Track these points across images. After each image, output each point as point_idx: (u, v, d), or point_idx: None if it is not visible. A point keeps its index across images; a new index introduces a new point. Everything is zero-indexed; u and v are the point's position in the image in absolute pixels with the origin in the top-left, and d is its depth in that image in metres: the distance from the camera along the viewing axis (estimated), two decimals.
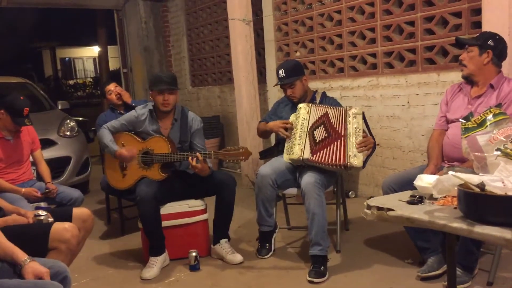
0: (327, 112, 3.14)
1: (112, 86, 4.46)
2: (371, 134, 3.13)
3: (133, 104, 4.38)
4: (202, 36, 7.31)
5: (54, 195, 3.54)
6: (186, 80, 7.82)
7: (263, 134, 3.61)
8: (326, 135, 3.09)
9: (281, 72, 3.35)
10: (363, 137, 3.05)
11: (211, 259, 3.41)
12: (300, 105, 3.23)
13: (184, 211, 3.39)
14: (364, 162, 3.06)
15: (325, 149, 3.07)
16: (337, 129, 3.09)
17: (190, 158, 3.13)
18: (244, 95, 5.23)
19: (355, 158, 3.00)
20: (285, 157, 3.26)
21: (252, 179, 5.02)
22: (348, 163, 3.00)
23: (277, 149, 3.51)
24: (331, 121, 3.11)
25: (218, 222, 3.40)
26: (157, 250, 3.26)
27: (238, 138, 5.47)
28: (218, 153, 3.09)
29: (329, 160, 3.04)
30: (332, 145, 3.06)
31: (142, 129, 3.38)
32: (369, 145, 3.05)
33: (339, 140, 3.06)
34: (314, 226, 3.00)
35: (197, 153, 3.13)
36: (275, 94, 5.47)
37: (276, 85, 3.52)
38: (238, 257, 3.32)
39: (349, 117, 3.08)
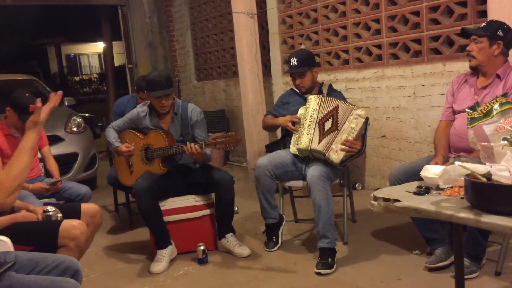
0: (337, 105, 3.17)
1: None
2: (363, 142, 3.13)
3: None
4: (206, 30, 7.30)
5: (60, 185, 3.55)
6: (191, 75, 7.82)
7: (270, 128, 3.63)
8: (330, 126, 3.14)
9: (293, 61, 3.35)
10: (353, 139, 3.07)
11: (219, 252, 3.43)
12: (310, 97, 3.27)
13: (191, 205, 3.41)
14: (343, 161, 3.09)
15: (324, 139, 3.13)
16: (338, 122, 3.13)
17: (185, 148, 3.13)
18: (249, 89, 5.22)
19: (335, 154, 3.07)
20: (292, 148, 3.28)
21: None
22: (326, 154, 3.08)
23: (283, 142, 3.52)
24: (339, 114, 3.15)
25: (220, 218, 3.42)
26: (162, 243, 3.28)
27: (244, 132, 5.47)
28: (208, 143, 3.11)
29: (320, 148, 3.11)
30: (329, 135, 3.12)
31: (143, 125, 3.42)
32: (354, 148, 3.07)
33: (333, 132, 3.12)
34: (320, 219, 3.01)
35: (188, 144, 3.12)
36: (280, 87, 5.47)
37: (287, 72, 3.51)
38: (246, 250, 3.34)
39: (351, 115, 3.11)
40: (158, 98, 3.24)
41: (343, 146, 3.06)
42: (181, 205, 3.40)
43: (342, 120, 3.12)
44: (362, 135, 3.12)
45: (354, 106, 3.17)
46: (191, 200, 3.42)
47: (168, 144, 3.25)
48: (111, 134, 3.49)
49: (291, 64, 3.36)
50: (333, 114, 3.15)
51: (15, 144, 3.61)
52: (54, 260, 1.99)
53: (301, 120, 3.24)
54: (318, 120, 3.18)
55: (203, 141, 3.15)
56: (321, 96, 3.25)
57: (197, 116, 3.38)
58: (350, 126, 3.08)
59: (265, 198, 3.33)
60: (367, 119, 3.11)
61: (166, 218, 3.33)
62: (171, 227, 3.34)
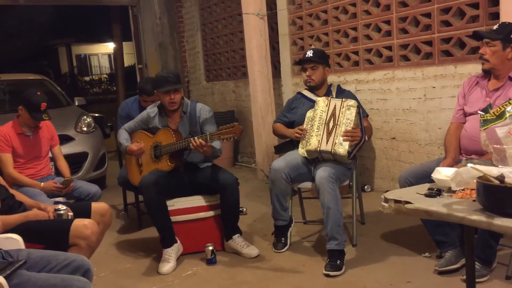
0: (335, 104, 3.24)
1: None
2: (361, 129, 3.19)
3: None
4: (216, 31, 7.32)
5: (72, 185, 3.57)
6: (201, 75, 7.84)
7: (280, 136, 3.67)
8: (333, 124, 3.19)
9: (309, 52, 3.46)
10: (352, 128, 3.13)
11: (227, 253, 3.43)
12: (318, 99, 3.32)
13: (200, 205, 3.42)
14: (350, 153, 3.13)
15: (329, 138, 3.16)
16: (336, 119, 3.19)
17: (190, 139, 3.14)
18: (258, 90, 5.23)
19: (341, 147, 3.12)
20: (300, 151, 3.29)
21: (267, 173, 5.03)
22: (333, 150, 3.12)
23: (292, 143, 3.52)
24: (336, 111, 3.21)
25: (226, 220, 3.42)
26: (168, 241, 3.29)
27: (253, 133, 5.47)
28: (212, 134, 3.11)
29: (328, 147, 3.14)
30: (332, 133, 3.17)
31: (153, 125, 3.46)
32: (355, 136, 3.13)
33: (335, 129, 3.17)
34: (329, 221, 3.01)
35: (194, 137, 3.12)
36: (289, 88, 5.47)
37: (300, 60, 3.49)
38: (254, 250, 3.34)
39: (343, 108, 3.18)
40: (167, 93, 3.26)
41: (345, 137, 3.11)
42: (190, 205, 3.40)
43: (339, 115, 3.18)
44: (360, 124, 3.19)
45: (343, 99, 3.24)
46: (200, 200, 3.43)
47: (175, 140, 3.28)
48: (122, 135, 3.54)
49: (306, 55, 3.45)
50: (334, 112, 3.22)
51: (27, 143, 3.66)
52: (66, 258, 2.01)
53: (310, 122, 3.27)
54: (326, 121, 3.21)
55: (207, 133, 3.15)
56: (329, 98, 3.29)
57: (206, 114, 3.40)
58: (346, 118, 3.16)
59: (278, 200, 3.32)
60: (358, 108, 3.19)
61: (175, 218, 3.34)
62: (180, 227, 3.34)
